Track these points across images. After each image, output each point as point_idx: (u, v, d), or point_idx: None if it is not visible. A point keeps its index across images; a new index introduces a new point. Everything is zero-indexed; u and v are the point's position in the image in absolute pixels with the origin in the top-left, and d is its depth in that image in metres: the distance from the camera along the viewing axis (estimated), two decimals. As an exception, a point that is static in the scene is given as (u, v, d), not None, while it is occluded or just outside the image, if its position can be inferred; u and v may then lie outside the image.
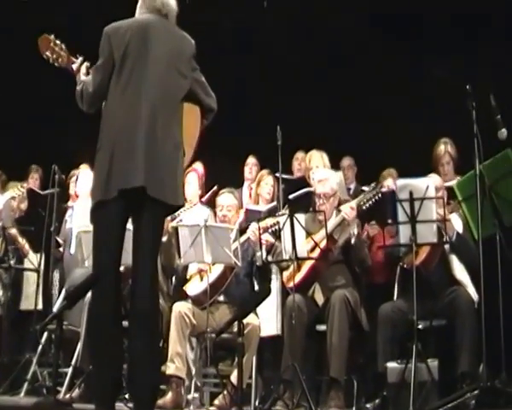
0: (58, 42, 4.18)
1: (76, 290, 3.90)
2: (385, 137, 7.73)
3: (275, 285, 5.94)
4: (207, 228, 5.21)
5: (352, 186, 7.43)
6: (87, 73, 4.07)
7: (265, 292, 4.35)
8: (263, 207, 6.48)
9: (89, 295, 5.47)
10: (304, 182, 6.59)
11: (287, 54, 8.39)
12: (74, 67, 4.14)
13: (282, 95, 8.34)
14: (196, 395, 5.37)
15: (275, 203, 6.38)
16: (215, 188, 6.61)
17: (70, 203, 7.03)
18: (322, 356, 5.47)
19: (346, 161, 7.50)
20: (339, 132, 8.12)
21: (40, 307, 6.60)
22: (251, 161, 7.55)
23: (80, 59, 4.17)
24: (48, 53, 4.16)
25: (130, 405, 4.35)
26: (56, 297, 6.51)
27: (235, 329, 5.26)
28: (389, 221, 5.67)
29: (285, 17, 8.46)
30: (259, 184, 6.68)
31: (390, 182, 6.52)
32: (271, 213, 6.21)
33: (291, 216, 5.12)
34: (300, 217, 5.18)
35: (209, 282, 5.30)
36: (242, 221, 6.09)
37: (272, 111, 8.00)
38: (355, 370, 5.47)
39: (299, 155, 7.35)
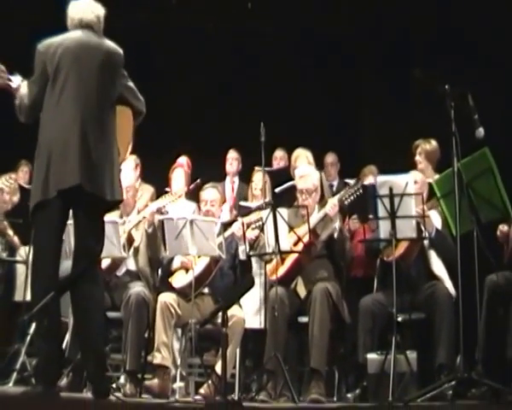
0: None
1: (63, 282, 3.89)
2: (367, 134, 7.79)
3: (258, 280, 5.92)
4: (192, 221, 5.20)
5: (335, 183, 7.44)
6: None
7: (249, 283, 4.33)
8: (254, 203, 6.48)
9: None
10: (287, 173, 6.61)
11: (272, 52, 8.40)
12: (14, 85, 4.21)
13: (266, 92, 8.36)
14: (182, 384, 5.35)
15: (264, 201, 6.36)
16: (198, 181, 6.61)
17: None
18: (304, 348, 5.48)
19: (330, 158, 7.51)
20: (322, 129, 8.17)
21: (28, 298, 6.62)
22: (232, 154, 7.56)
23: (19, 78, 4.24)
24: None
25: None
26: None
27: (219, 320, 5.33)
28: (370, 216, 5.69)
29: (269, 17, 8.47)
30: (250, 181, 6.73)
31: (371, 179, 6.54)
32: (260, 209, 6.21)
33: (274, 210, 5.11)
34: (283, 211, 5.17)
35: (194, 275, 5.28)
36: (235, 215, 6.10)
37: (256, 108, 8.03)
38: (336, 361, 5.48)
39: (279, 153, 7.35)
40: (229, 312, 5.22)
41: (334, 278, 5.54)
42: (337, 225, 5.48)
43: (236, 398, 5.34)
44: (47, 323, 3.89)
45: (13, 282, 6.79)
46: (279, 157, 7.31)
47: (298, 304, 5.43)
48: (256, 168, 6.74)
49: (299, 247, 5.32)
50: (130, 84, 4.28)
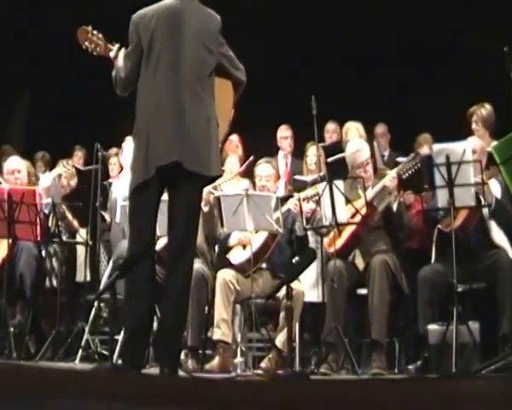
0: (95, 32, 4.21)
1: (126, 262, 3.83)
2: (420, 101, 7.61)
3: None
4: (249, 196, 5.12)
5: (386, 153, 7.30)
6: None
7: (311, 256, 4.24)
8: (309, 177, 6.38)
9: None
10: (340, 146, 6.48)
11: (319, 25, 8.24)
12: (112, 54, 4.16)
13: (316, 65, 8.23)
14: (242, 359, 5.31)
15: (319, 174, 6.25)
16: (251, 158, 6.53)
17: (111, 180, 6.98)
18: (363, 320, 5.38)
19: (380, 129, 7.37)
20: (371, 100, 8.00)
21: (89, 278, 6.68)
22: (284, 132, 7.44)
23: (117, 46, 4.18)
24: (86, 43, 4.20)
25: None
26: (104, 268, 6.48)
27: (278, 294, 5.25)
28: (425, 187, 5.56)
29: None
30: (304, 155, 6.62)
31: (426, 148, 6.38)
32: (315, 183, 6.11)
33: (330, 183, 5.00)
34: (339, 183, 5.05)
35: (253, 250, 5.20)
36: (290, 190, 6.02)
37: (305, 81, 7.91)
38: (396, 332, 5.35)
39: (330, 126, 7.23)
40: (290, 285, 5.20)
41: (392, 249, 5.41)
42: (395, 197, 5.32)
43: (297, 371, 5.28)
44: (126, 305, 3.82)
45: (74, 263, 6.83)
46: (331, 130, 7.19)
47: (356, 276, 5.32)
48: (310, 143, 6.63)
49: (357, 219, 5.20)
50: (229, 52, 4.04)
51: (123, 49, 4.13)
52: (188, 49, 3.87)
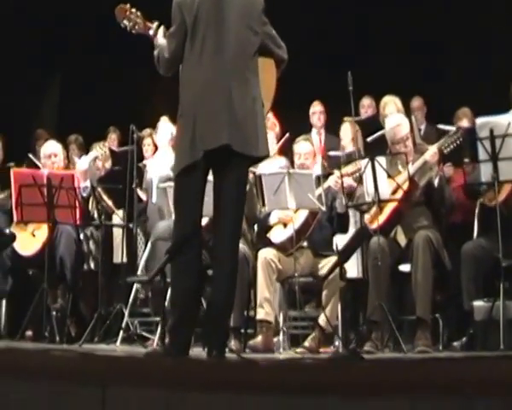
0: (134, 10, 4.14)
1: (175, 245, 3.75)
2: (458, 73, 7.46)
3: (353, 229, 5.76)
4: (291, 175, 5.03)
5: (423, 127, 7.17)
6: (165, 36, 4.01)
7: (364, 235, 4.15)
8: (342, 153, 6.27)
9: None
10: (376, 121, 6.37)
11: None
12: (151, 32, 4.09)
13: (347, 39, 8.09)
14: (284, 337, 5.24)
15: (353, 148, 6.15)
16: (287, 135, 6.43)
17: (145, 162, 6.92)
18: (405, 297, 5.29)
19: (416, 102, 7.23)
20: (407, 73, 7.85)
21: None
22: (316, 108, 7.35)
23: (156, 24, 4.11)
24: (125, 21, 4.14)
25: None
26: (142, 249, 6.43)
27: (320, 272, 5.19)
28: (465, 160, 5.44)
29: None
30: (340, 131, 6.52)
31: (465, 122, 6.25)
32: (350, 157, 6.01)
33: (372, 159, 4.89)
34: (381, 160, 4.94)
35: (295, 228, 5.12)
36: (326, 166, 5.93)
37: (338, 55, 7.78)
38: (439, 309, 5.24)
39: (366, 101, 7.11)
40: (332, 263, 5.13)
41: (434, 225, 5.30)
42: (436, 172, 5.21)
43: (341, 350, 5.22)
44: (174, 289, 3.77)
45: (111, 245, 6.79)
46: (366, 105, 7.08)
47: (398, 253, 5.21)
48: (345, 118, 6.52)
49: (399, 195, 5.09)
50: (272, 31, 3.95)
51: (162, 27, 4.07)
52: (232, 29, 3.79)
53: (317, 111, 7.35)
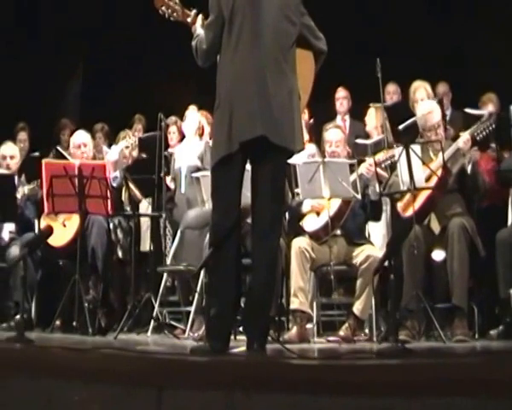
0: None
1: (216, 238, 3.67)
2: (481, 58, 7.34)
3: (384, 216, 5.68)
4: (325, 164, 4.95)
5: (448, 112, 7.03)
6: (203, 25, 3.95)
7: (408, 226, 4.07)
8: (369, 141, 6.17)
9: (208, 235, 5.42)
10: (404, 107, 6.27)
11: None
12: (189, 20, 4.03)
13: (371, 25, 7.97)
14: (315, 325, 5.18)
15: (381, 136, 6.04)
16: (311, 121, 6.32)
17: (170, 150, 6.84)
18: (438, 284, 5.20)
19: (441, 88, 7.09)
20: (431, 59, 7.73)
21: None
22: (341, 93, 7.26)
23: (194, 11, 4.05)
24: (163, 8, 4.08)
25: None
26: (171, 238, 6.36)
27: (354, 260, 5.11)
28: (492, 145, 5.34)
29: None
30: (366, 117, 6.44)
31: (490, 107, 6.15)
32: (378, 145, 5.91)
33: (407, 147, 4.80)
34: (416, 148, 4.84)
35: (331, 214, 5.05)
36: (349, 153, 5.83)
37: (361, 41, 7.67)
38: (474, 297, 5.15)
39: (391, 87, 7.00)
40: (366, 252, 5.05)
41: (467, 211, 5.20)
42: (469, 158, 5.10)
43: (375, 339, 5.15)
44: (214, 280, 3.70)
45: (138, 234, 6.73)
46: (392, 91, 6.97)
47: (432, 240, 5.12)
48: (371, 104, 6.41)
49: (432, 182, 5.00)
50: (311, 21, 3.86)
51: (200, 15, 4.01)
52: (270, 20, 3.70)
53: (340, 97, 7.27)
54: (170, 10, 4.05)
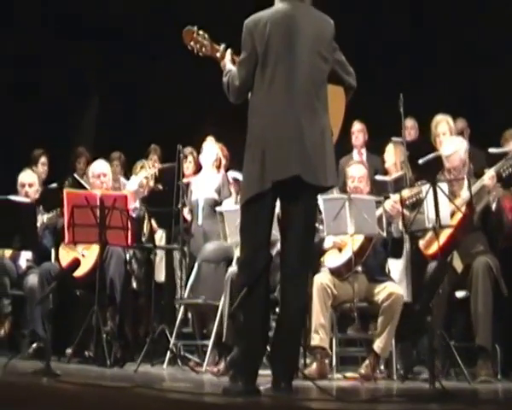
0: (201, 32, 4.06)
1: (248, 278, 3.60)
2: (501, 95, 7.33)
3: (404, 252, 5.62)
4: (351, 200, 4.90)
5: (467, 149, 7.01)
6: (232, 60, 3.95)
7: (445, 269, 4.02)
8: (388, 177, 6.14)
9: (230, 270, 5.37)
10: (426, 143, 6.24)
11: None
12: (218, 54, 4.01)
13: (389, 62, 7.98)
14: (337, 362, 5.11)
15: (401, 172, 6.00)
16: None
17: (185, 180, 6.79)
18: (462, 323, 5.15)
19: (460, 124, 7.06)
20: (450, 94, 7.73)
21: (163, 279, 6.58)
22: (357, 127, 7.23)
23: (223, 46, 4.04)
24: (192, 44, 4.06)
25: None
26: (188, 270, 6.29)
27: (376, 298, 5.04)
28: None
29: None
30: (386, 152, 6.41)
31: (512, 144, 6.11)
32: (399, 182, 5.87)
33: (434, 185, 4.76)
34: (443, 186, 4.80)
35: (350, 253, 5.00)
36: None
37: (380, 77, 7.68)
38: (497, 337, 5.08)
39: (409, 122, 6.96)
40: (388, 289, 5.00)
41: (490, 250, 5.16)
42: (494, 196, 5.06)
43: (395, 377, 5.08)
44: (244, 319, 3.64)
45: (152, 264, 6.67)
46: (409, 126, 6.94)
47: (455, 279, 5.08)
48: (393, 139, 6.37)
49: (456, 219, 4.95)
50: (342, 57, 3.84)
51: (229, 50, 3.99)
52: (304, 57, 3.68)
53: (356, 130, 7.24)
54: (198, 45, 4.02)
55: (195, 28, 4.04)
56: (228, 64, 3.91)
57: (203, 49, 4.03)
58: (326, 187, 3.77)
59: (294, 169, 3.58)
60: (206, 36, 4.04)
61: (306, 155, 3.60)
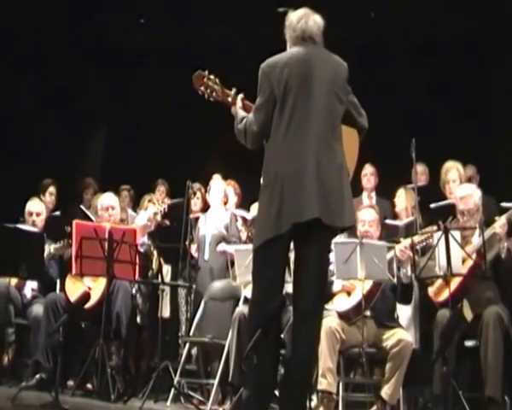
0: (212, 77, 4.03)
1: (263, 322, 3.54)
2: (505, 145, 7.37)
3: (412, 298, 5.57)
4: (363, 244, 4.87)
5: (477, 196, 7.00)
6: (243, 105, 3.93)
7: (460, 317, 3.98)
8: (399, 222, 6.11)
9: (237, 310, 5.33)
10: (436, 189, 6.23)
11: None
12: (229, 99, 3.98)
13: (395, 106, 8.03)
14: (341, 407, 5.03)
15: (412, 218, 5.98)
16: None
17: (192, 216, 6.77)
18: (471, 373, 5.09)
19: (469, 171, 7.06)
20: (459, 142, 7.75)
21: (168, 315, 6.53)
22: (368, 170, 7.22)
23: (234, 91, 4.01)
24: (202, 88, 4.02)
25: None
26: (194, 306, 6.22)
27: (384, 343, 4.99)
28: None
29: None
30: (396, 197, 6.37)
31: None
32: (409, 227, 5.85)
33: (446, 232, 4.73)
34: (456, 234, 4.77)
35: (359, 298, 4.97)
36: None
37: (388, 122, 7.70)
38: (507, 388, 5.02)
39: (419, 168, 6.95)
40: (397, 336, 4.95)
41: (501, 299, 5.11)
42: (505, 244, 5.04)
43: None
44: (257, 359, 3.58)
45: (157, 299, 6.61)
46: (420, 172, 6.92)
47: (464, 327, 5.02)
48: (408, 186, 6.36)
49: (466, 267, 4.92)
50: (355, 98, 3.85)
51: (240, 95, 3.97)
52: (321, 99, 3.68)
53: (368, 173, 7.22)
54: (209, 90, 3.99)
55: (206, 73, 4.01)
56: (240, 111, 3.88)
57: (213, 94, 3.99)
58: (344, 228, 3.75)
59: (316, 211, 3.55)
60: (218, 80, 4.00)
61: (326, 195, 3.58)
